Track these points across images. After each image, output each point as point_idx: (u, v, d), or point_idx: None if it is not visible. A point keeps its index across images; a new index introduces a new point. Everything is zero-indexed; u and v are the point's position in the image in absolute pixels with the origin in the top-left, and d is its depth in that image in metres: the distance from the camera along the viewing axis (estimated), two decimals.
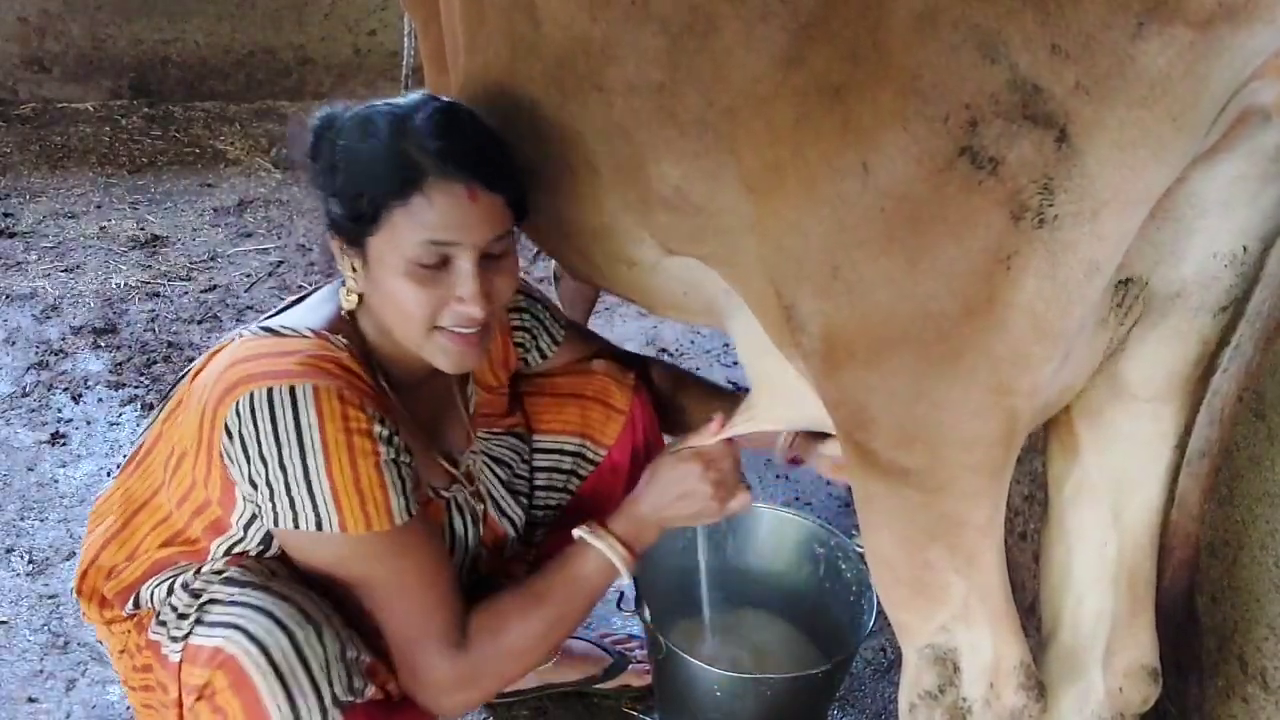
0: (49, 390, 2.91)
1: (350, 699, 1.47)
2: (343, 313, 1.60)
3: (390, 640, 1.55)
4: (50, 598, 2.31)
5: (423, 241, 1.48)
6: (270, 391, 1.44)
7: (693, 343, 3.32)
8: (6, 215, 3.70)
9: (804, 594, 2.18)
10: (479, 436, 1.82)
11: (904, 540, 1.35)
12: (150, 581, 1.57)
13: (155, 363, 3.04)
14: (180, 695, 1.49)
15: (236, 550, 1.54)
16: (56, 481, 2.62)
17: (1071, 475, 1.46)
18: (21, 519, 2.51)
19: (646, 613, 1.97)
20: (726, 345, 3.32)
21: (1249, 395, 1.54)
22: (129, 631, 1.62)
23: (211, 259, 3.57)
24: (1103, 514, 1.44)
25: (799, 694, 1.94)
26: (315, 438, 1.44)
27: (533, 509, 1.94)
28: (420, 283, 1.50)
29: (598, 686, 2.19)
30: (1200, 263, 1.23)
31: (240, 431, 1.45)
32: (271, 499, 1.46)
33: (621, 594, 2.17)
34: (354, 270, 1.56)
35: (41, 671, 2.16)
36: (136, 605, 1.59)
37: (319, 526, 1.46)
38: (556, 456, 1.96)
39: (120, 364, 3.02)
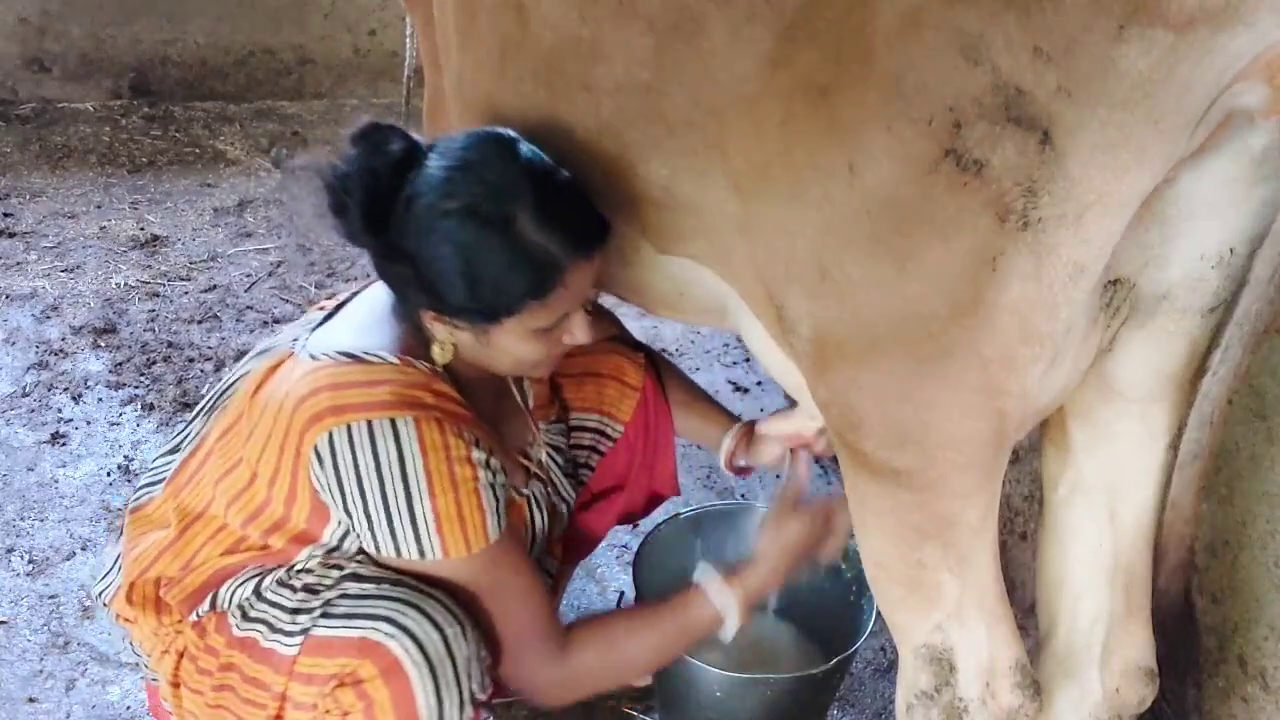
0: (49, 390, 2.91)
1: (481, 696, 1.55)
2: (413, 332, 1.59)
3: (492, 633, 1.60)
4: (50, 598, 2.31)
5: (555, 317, 1.54)
6: (370, 425, 1.47)
7: (693, 342, 3.32)
8: (6, 215, 3.70)
9: (804, 594, 2.17)
10: (541, 428, 1.86)
11: (897, 540, 1.35)
12: (229, 583, 1.59)
13: (155, 363, 3.04)
14: (287, 687, 1.52)
15: (333, 555, 1.57)
16: (56, 481, 2.62)
17: (1065, 475, 1.46)
18: (21, 519, 2.51)
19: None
20: (726, 345, 3.32)
21: (1249, 395, 1.54)
22: (180, 633, 1.63)
23: (211, 259, 3.57)
24: (1097, 514, 1.45)
25: (799, 694, 1.94)
26: (419, 470, 1.47)
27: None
28: (541, 340, 1.57)
29: None
30: (1187, 264, 1.23)
31: (337, 463, 1.47)
32: (371, 529, 1.50)
33: (621, 594, 2.17)
34: (450, 332, 1.56)
35: (41, 671, 2.16)
36: (213, 606, 1.60)
37: (422, 555, 1.51)
38: (578, 434, 1.99)
39: (120, 364, 3.02)
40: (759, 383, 3.16)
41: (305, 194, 1.56)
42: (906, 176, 1.12)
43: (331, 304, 1.71)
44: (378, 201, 1.49)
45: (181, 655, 1.63)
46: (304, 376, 1.53)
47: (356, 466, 1.47)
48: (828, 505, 1.79)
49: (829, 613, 2.13)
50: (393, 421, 1.47)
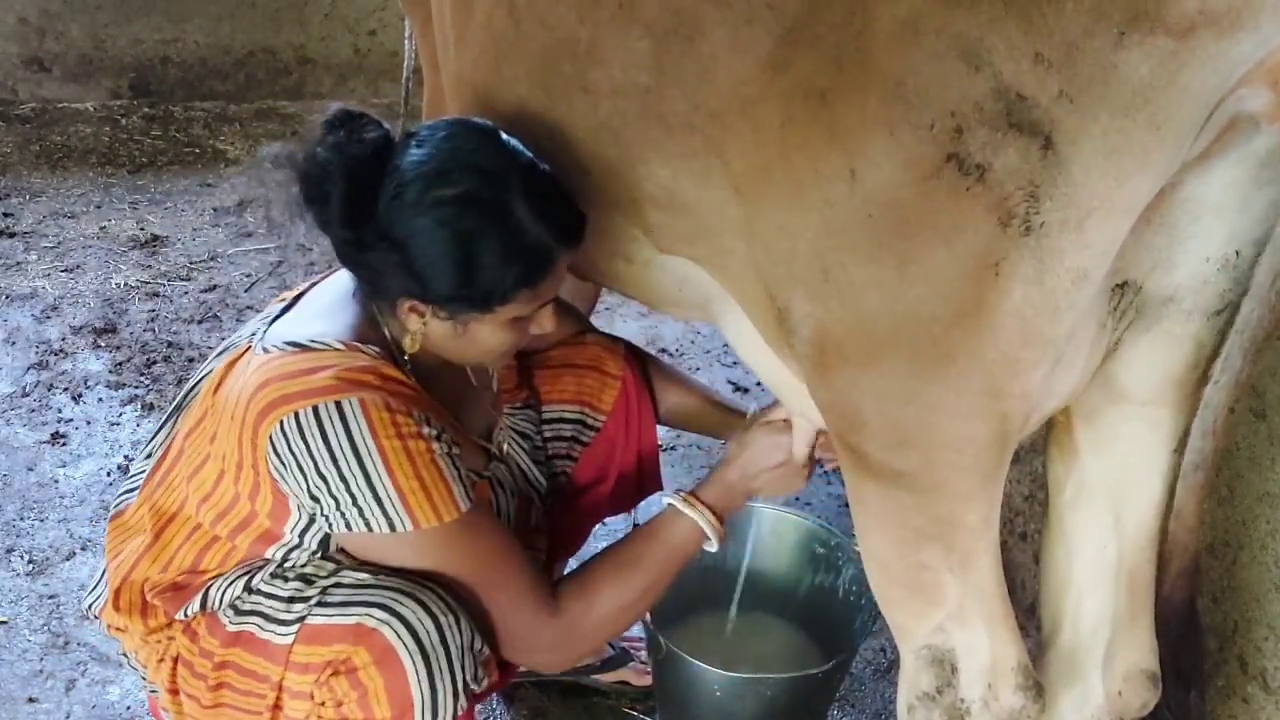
0: (49, 390, 2.91)
1: (475, 688, 1.54)
2: (364, 319, 1.59)
3: (484, 616, 1.59)
4: (50, 598, 2.31)
5: (537, 305, 1.56)
6: (316, 409, 1.46)
7: (693, 342, 3.32)
8: (6, 215, 3.70)
9: (804, 594, 2.18)
10: (505, 412, 1.85)
11: (898, 541, 1.35)
12: (218, 581, 1.58)
13: (155, 363, 3.04)
14: (283, 677, 1.52)
15: (294, 554, 1.56)
16: (56, 481, 2.62)
17: (1071, 478, 1.46)
18: (21, 519, 2.51)
19: (647, 613, 1.96)
20: (726, 345, 3.31)
21: (1249, 395, 1.54)
22: (172, 639, 1.63)
23: (211, 259, 3.57)
24: (1102, 517, 1.44)
25: (799, 694, 1.94)
26: (371, 447, 1.46)
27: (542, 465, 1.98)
28: (515, 330, 1.57)
29: (595, 678, 2.19)
30: (1193, 267, 1.23)
31: (291, 450, 1.47)
32: (339, 509, 1.49)
33: None
34: (424, 322, 1.55)
35: (41, 671, 2.16)
36: (203, 606, 1.59)
37: (392, 528, 1.49)
38: (558, 425, 1.98)
39: (120, 364, 3.02)
40: (759, 383, 3.16)
41: (278, 183, 1.53)
42: (908, 181, 1.12)
43: (291, 295, 1.71)
44: (361, 190, 1.47)
45: (176, 661, 1.63)
46: (256, 370, 1.52)
47: (310, 452, 1.46)
48: (803, 429, 1.73)
49: (829, 613, 2.13)
50: (338, 404, 1.46)
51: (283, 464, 1.48)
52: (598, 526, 2.14)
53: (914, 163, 1.10)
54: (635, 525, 2.41)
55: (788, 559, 2.19)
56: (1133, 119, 1.03)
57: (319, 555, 1.57)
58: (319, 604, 1.52)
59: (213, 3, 4.37)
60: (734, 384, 3.15)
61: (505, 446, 1.83)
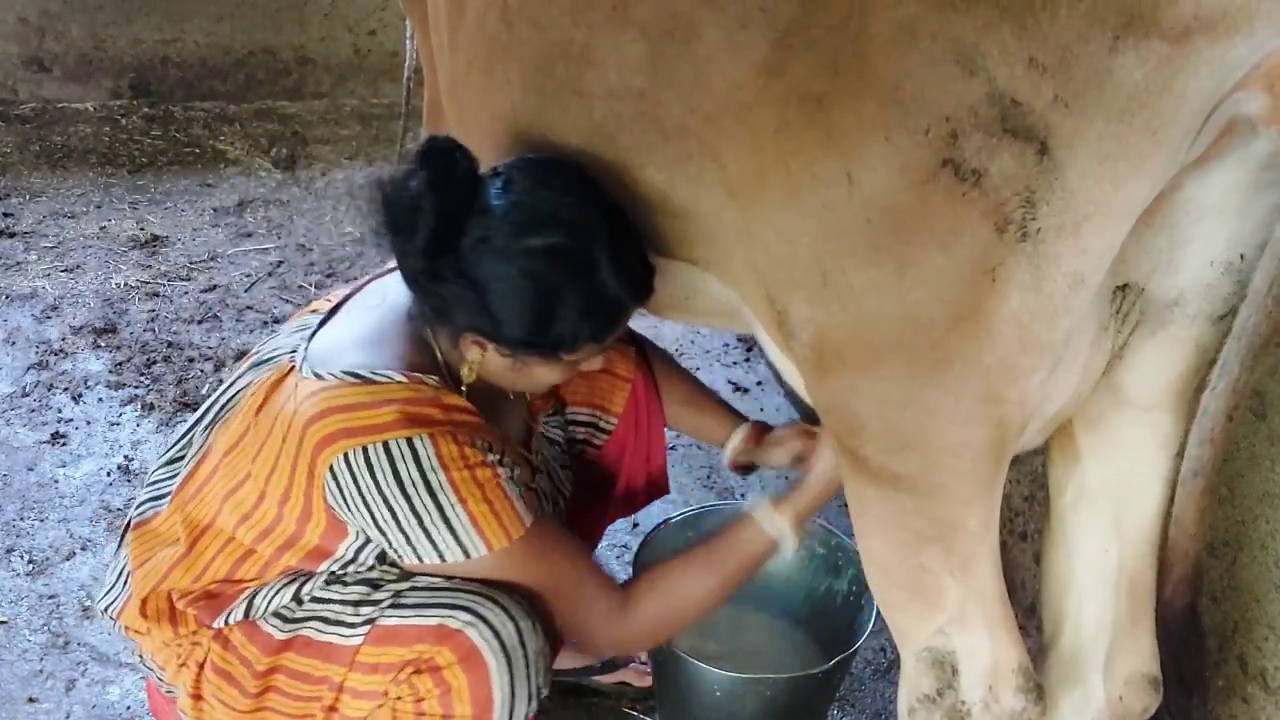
0: (49, 390, 2.91)
1: (545, 691, 1.59)
2: (420, 345, 1.60)
3: (560, 614, 1.62)
4: (50, 598, 2.31)
5: (599, 353, 1.60)
6: (388, 445, 1.48)
7: (693, 343, 3.32)
8: (6, 215, 3.70)
9: (804, 594, 2.17)
10: (540, 421, 1.87)
11: (898, 544, 1.35)
12: (264, 591, 1.60)
13: (155, 363, 3.04)
14: (345, 679, 1.55)
15: (350, 567, 1.59)
16: (56, 481, 2.62)
17: (1072, 481, 1.46)
18: (21, 519, 2.51)
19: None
20: (726, 345, 3.31)
21: (1249, 395, 1.54)
22: (197, 644, 1.64)
23: (211, 259, 3.56)
24: (1103, 520, 1.44)
25: (799, 694, 1.94)
26: (443, 482, 1.49)
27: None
28: (570, 368, 1.60)
29: (596, 679, 2.19)
30: (1197, 270, 1.23)
31: (357, 484, 1.49)
32: (409, 543, 1.52)
33: None
34: (483, 354, 1.57)
35: (41, 671, 2.16)
36: (247, 614, 1.60)
37: (466, 555, 1.53)
38: (572, 428, 1.99)
39: (120, 364, 3.02)
40: (759, 383, 3.16)
41: (367, 209, 1.52)
42: (905, 185, 1.12)
43: (326, 306, 1.71)
44: (449, 226, 1.48)
45: (202, 666, 1.63)
46: (311, 396, 1.52)
47: (379, 487, 1.48)
48: None
49: (829, 613, 2.13)
50: (409, 440, 1.48)
51: (344, 496, 1.50)
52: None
53: (910, 168, 1.10)
54: (635, 525, 2.42)
55: (787, 559, 2.19)
56: (1128, 124, 1.03)
57: (378, 566, 1.58)
58: (392, 606, 1.55)
59: (213, 3, 4.37)
60: (734, 384, 3.15)
61: (541, 455, 1.85)
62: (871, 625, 1.95)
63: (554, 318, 1.49)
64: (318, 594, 1.59)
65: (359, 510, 1.51)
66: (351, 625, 1.56)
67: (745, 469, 2.03)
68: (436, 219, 1.46)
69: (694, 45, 1.28)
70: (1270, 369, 1.49)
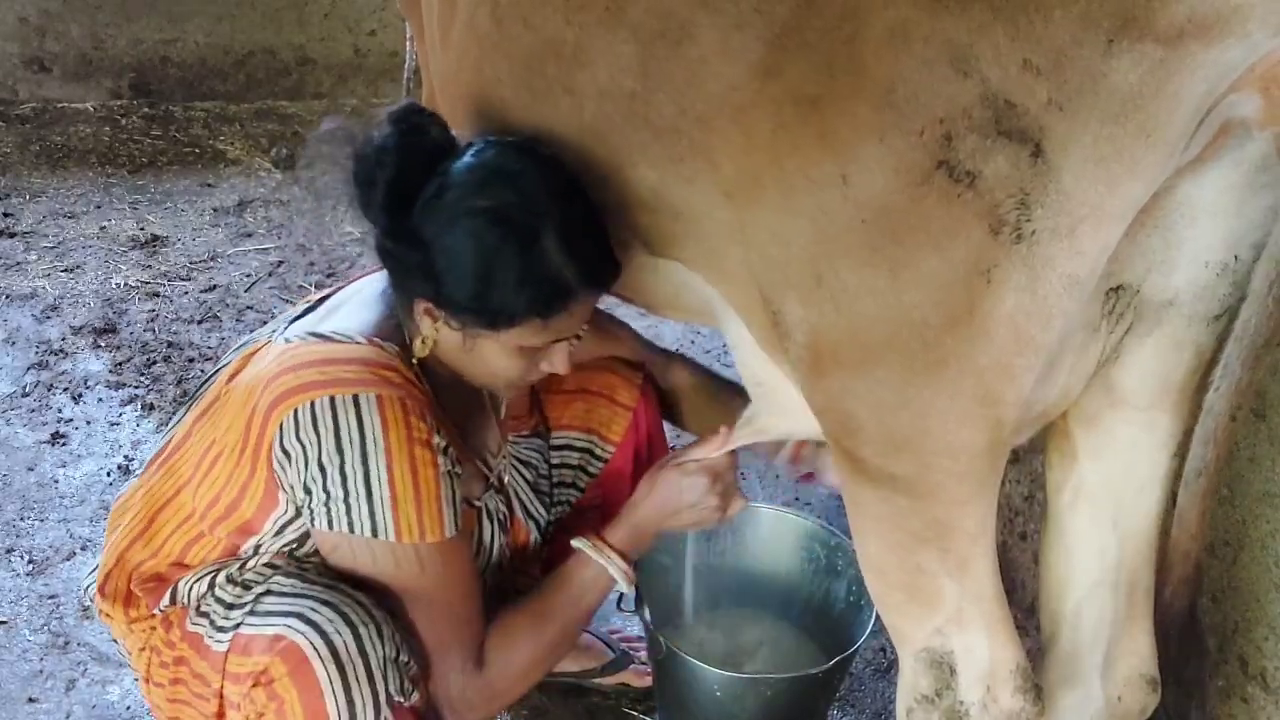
0: (49, 390, 2.91)
1: (400, 700, 1.51)
2: (388, 318, 1.59)
3: (421, 646, 1.58)
4: (50, 598, 2.31)
5: (548, 340, 1.54)
6: (333, 400, 1.46)
7: (693, 343, 3.32)
8: (6, 215, 3.69)
9: (804, 594, 2.17)
10: (510, 440, 1.84)
11: (895, 545, 1.35)
12: (188, 577, 1.58)
13: (155, 363, 3.04)
14: (222, 685, 1.51)
15: (260, 554, 1.56)
16: (56, 481, 2.62)
17: (1070, 482, 1.46)
18: (21, 519, 2.51)
19: (647, 613, 1.96)
20: (726, 345, 3.31)
21: (1249, 395, 1.54)
22: (153, 629, 1.63)
23: (211, 259, 3.56)
24: (1101, 520, 1.44)
25: (799, 694, 1.94)
26: (379, 445, 1.46)
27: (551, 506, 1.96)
28: (522, 359, 1.56)
29: (595, 681, 2.19)
30: (1192, 271, 1.23)
31: (299, 438, 1.47)
32: (327, 504, 1.49)
33: (621, 595, 2.16)
34: (436, 327, 1.55)
35: (41, 671, 2.16)
36: (173, 600, 1.59)
37: (374, 533, 1.49)
38: (565, 453, 1.98)
39: (120, 364, 3.02)
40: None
41: (333, 154, 1.54)
42: (900, 187, 1.12)
43: (315, 298, 1.72)
44: (407, 182, 1.48)
45: (142, 650, 1.63)
46: (274, 359, 1.53)
47: (319, 440, 1.46)
48: (715, 465, 1.70)
49: (829, 613, 2.13)
50: (355, 397, 1.47)
51: (286, 453, 1.48)
52: None
53: (905, 169, 1.10)
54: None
55: (787, 559, 2.19)
56: (1123, 126, 1.03)
57: (278, 556, 1.55)
58: (251, 612, 1.51)
59: (213, 3, 4.37)
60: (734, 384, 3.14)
61: (506, 477, 1.81)
62: (871, 626, 1.95)
63: (491, 282, 1.46)
64: (217, 591, 1.55)
65: (296, 466, 1.47)
66: (223, 630, 1.52)
67: (808, 478, 1.99)
68: (396, 172, 1.47)
69: (687, 47, 1.28)
70: (1271, 369, 1.50)
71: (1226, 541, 1.64)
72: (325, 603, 1.48)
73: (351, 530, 1.49)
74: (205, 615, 1.55)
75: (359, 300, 1.64)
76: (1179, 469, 1.36)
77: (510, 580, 1.83)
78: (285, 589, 1.51)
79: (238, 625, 1.51)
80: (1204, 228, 1.19)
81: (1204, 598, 1.70)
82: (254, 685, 1.48)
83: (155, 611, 1.60)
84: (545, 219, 1.46)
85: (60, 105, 4.36)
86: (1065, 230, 1.08)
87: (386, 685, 1.49)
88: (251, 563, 1.56)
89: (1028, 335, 1.14)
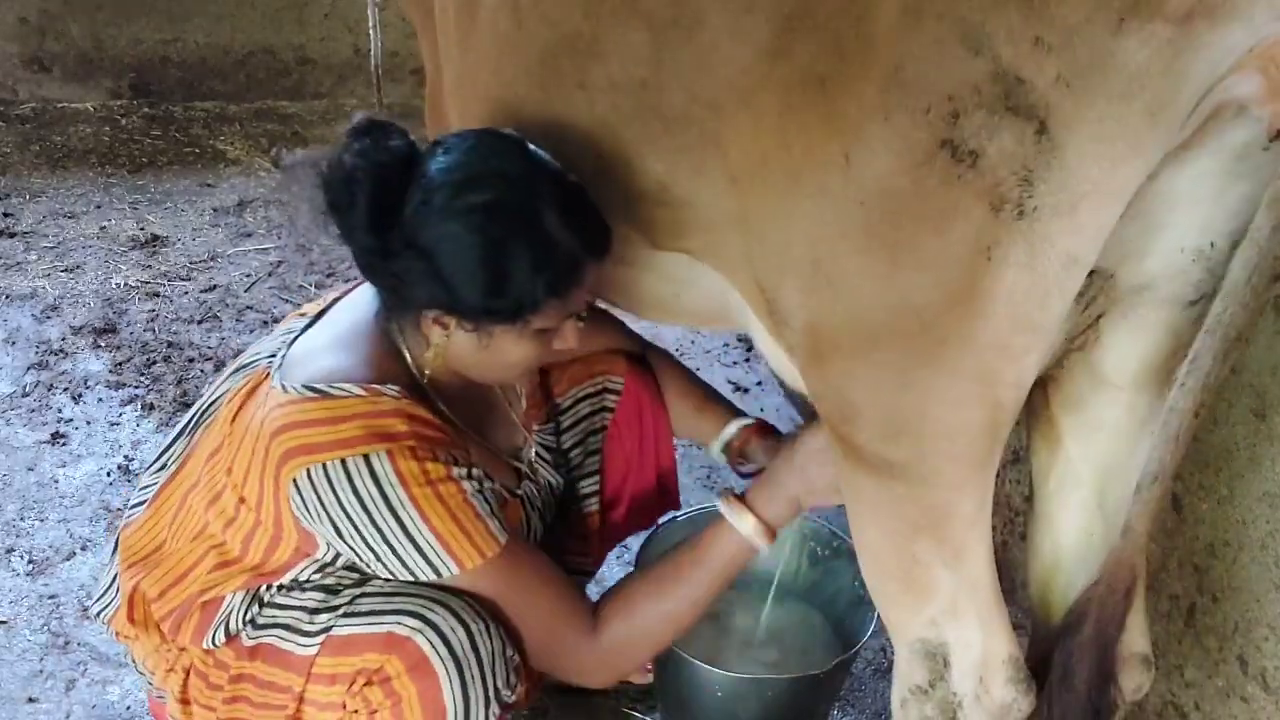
0: (49, 390, 2.91)
1: (508, 695, 1.55)
2: (383, 348, 1.58)
3: (528, 639, 1.59)
4: (50, 598, 2.31)
5: (564, 316, 1.54)
6: (345, 463, 1.45)
7: (693, 343, 3.32)
8: (6, 215, 3.70)
9: (804, 594, 2.17)
10: (535, 429, 1.84)
11: (891, 533, 1.36)
12: (235, 610, 1.58)
13: (155, 363, 3.04)
14: (304, 690, 1.52)
15: (327, 569, 1.56)
16: (56, 481, 2.62)
17: (1055, 467, 1.47)
18: (21, 519, 2.51)
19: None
20: (726, 345, 3.32)
21: (1249, 395, 1.54)
22: (184, 650, 1.62)
23: (211, 259, 3.57)
24: (1087, 502, 1.45)
25: (799, 694, 1.94)
26: (404, 499, 1.46)
27: (575, 456, 1.96)
28: (538, 343, 1.55)
29: None
30: (1166, 257, 1.24)
31: (320, 502, 1.47)
32: (379, 560, 1.50)
33: None
34: (447, 334, 1.53)
35: (41, 671, 2.16)
36: (228, 633, 1.58)
37: (437, 574, 1.51)
38: (577, 407, 1.96)
39: (120, 364, 3.02)
40: (759, 383, 3.16)
41: (302, 191, 1.51)
42: (901, 168, 1.12)
43: (315, 309, 1.70)
44: (387, 197, 1.46)
45: (189, 672, 1.63)
46: (275, 409, 1.51)
47: (340, 504, 1.46)
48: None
49: (829, 613, 2.13)
50: (366, 458, 1.46)
51: (309, 512, 1.48)
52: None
53: (908, 149, 1.11)
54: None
55: (787, 559, 2.19)
56: (1129, 105, 1.04)
57: (342, 570, 1.56)
58: (345, 614, 1.52)
59: (213, 3, 4.37)
60: (734, 384, 3.15)
61: (537, 465, 1.82)
62: (873, 625, 1.95)
63: (507, 275, 1.45)
64: (277, 599, 1.56)
65: (324, 524, 1.48)
66: (307, 634, 1.53)
67: (745, 469, 1.98)
68: (373, 185, 1.45)
69: (698, 32, 1.28)
70: (1271, 368, 1.50)
71: (1226, 541, 1.64)
72: (434, 600, 1.51)
73: (415, 577, 1.51)
74: (275, 625, 1.56)
75: (353, 327, 1.61)
76: None
77: (560, 561, 1.81)
78: (384, 589, 1.53)
79: (328, 628, 1.52)
80: (1182, 214, 1.20)
81: (1204, 597, 1.70)
82: (366, 684, 1.49)
83: (206, 644, 1.59)
84: (540, 200, 1.46)
85: (60, 105, 4.36)
86: (1067, 207, 1.08)
87: (496, 680, 1.53)
88: (309, 573, 1.56)
89: (1026, 313, 1.15)
